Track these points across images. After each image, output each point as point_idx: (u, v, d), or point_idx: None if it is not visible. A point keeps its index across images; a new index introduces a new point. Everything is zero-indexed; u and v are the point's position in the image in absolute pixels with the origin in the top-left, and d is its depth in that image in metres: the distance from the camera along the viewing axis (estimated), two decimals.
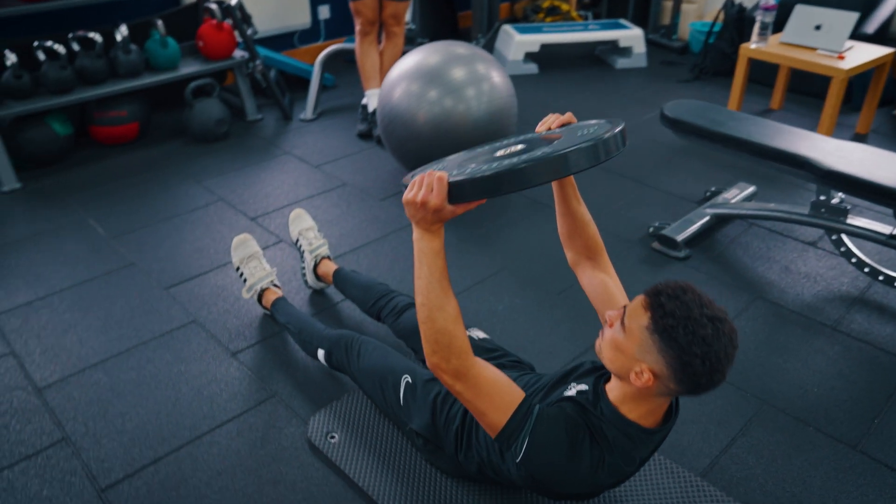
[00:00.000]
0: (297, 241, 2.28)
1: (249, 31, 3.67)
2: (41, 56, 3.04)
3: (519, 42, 4.44)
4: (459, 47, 2.91)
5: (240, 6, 3.65)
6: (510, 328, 2.15)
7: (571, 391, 1.33)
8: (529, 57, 4.51)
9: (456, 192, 1.17)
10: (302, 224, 2.29)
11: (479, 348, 1.70)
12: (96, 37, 3.15)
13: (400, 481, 1.60)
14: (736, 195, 2.80)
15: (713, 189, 2.89)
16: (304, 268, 2.28)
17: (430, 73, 2.80)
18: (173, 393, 1.89)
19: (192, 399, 1.87)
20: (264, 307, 2.13)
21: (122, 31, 3.20)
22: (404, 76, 2.85)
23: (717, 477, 1.64)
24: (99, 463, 1.68)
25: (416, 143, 2.82)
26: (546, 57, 4.60)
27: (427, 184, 1.17)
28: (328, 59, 3.89)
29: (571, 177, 1.45)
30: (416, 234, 1.22)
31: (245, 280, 2.12)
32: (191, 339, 2.10)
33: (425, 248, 1.21)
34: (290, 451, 1.71)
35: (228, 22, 3.53)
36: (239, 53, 3.63)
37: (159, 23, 3.31)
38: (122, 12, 3.55)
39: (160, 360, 2.02)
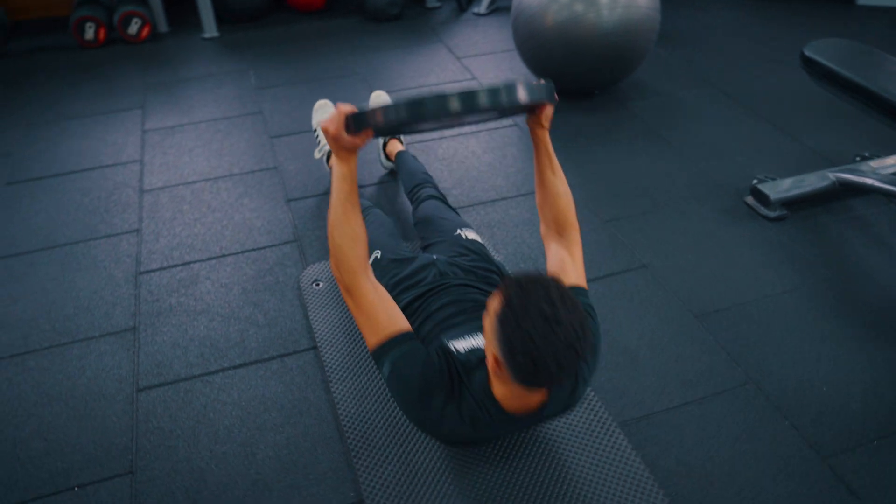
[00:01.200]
0: None
1: None
2: None
3: None
4: None
5: None
6: (515, 234, 2.13)
7: (468, 342, 1.35)
8: None
9: (355, 121, 1.26)
10: (380, 103, 2.42)
11: (462, 247, 1.75)
12: None
13: (346, 337, 1.76)
14: (889, 166, 2.32)
15: (866, 154, 2.43)
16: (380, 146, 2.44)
17: None
18: (227, 218, 2.23)
19: (238, 226, 2.19)
20: (329, 168, 2.35)
21: None
22: None
23: (638, 431, 1.54)
24: (148, 254, 2.09)
25: (537, 43, 2.75)
26: None
27: (333, 113, 1.28)
28: None
29: (546, 146, 1.46)
30: (333, 157, 1.33)
31: (319, 141, 2.34)
32: (264, 181, 2.41)
33: (336, 171, 1.31)
34: (281, 286, 1.96)
35: None
36: None
37: None
38: None
39: (234, 191, 2.36)
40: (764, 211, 2.21)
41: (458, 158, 2.53)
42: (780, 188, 2.22)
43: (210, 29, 3.56)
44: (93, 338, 1.80)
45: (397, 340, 1.30)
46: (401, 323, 1.33)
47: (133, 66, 3.25)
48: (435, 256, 1.67)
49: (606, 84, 2.90)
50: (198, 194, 2.35)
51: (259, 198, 2.33)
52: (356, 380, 1.65)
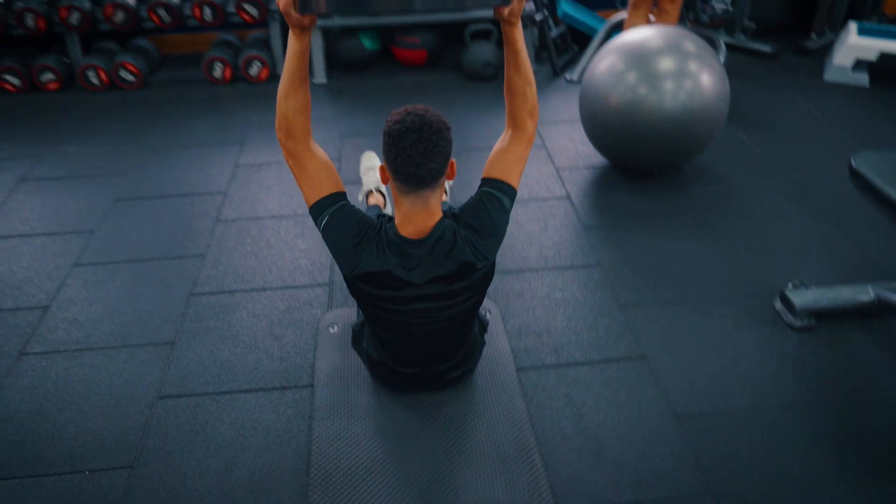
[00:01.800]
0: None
1: None
2: None
3: (851, 44, 3.76)
4: (689, 41, 2.75)
5: None
6: (529, 307, 2.21)
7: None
8: (862, 65, 3.78)
9: (302, 4, 1.43)
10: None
11: None
12: None
13: (340, 382, 1.95)
14: None
15: None
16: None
17: (639, 55, 2.73)
18: (278, 255, 2.50)
19: (285, 263, 2.46)
20: (368, 206, 2.55)
21: None
22: (619, 49, 2.82)
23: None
24: (205, 278, 2.39)
25: (599, 121, 2.83)
26: (890, 70, 3.80)
27: None
28: (617, 25, 3.92)
29: (512, 42, 1.57)
30: (290, 33, 1.52)
31: (362, 184, 2.60)
32: None
33: (289, 46, 1.53)
34: (303, 324, 2.18)
35: None
36: (529, 6, 3.92)
37: None
38: None
39: (292, 231, 2.64)
40: (789, 318, 2.16)
41: None
42: (810, 297, 2.16)
43: (320, 75, 3.95)
44: (139, 345, 2.11)
45: (335, 198, 1.58)
46: (339, 186, 1.60)
47: (247, 104, 3.68)
48: None
49: (667, 167, 2.92)
50: (262, 230, 2.65)
51: (311, 240, 2.59)
52: (337, 422, 1.82)
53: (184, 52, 4.28)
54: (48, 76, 3.80)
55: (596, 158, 3.11)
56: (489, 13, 1.60)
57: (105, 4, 3.67)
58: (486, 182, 1.65)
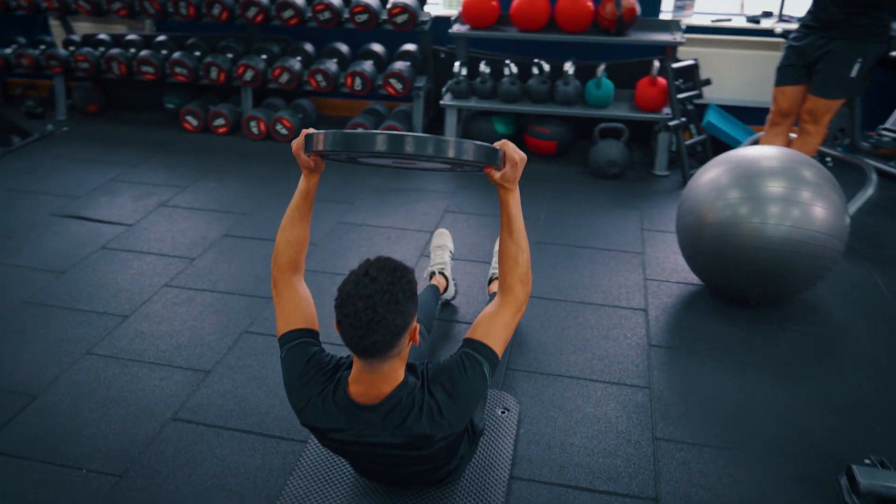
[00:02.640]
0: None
1: (689, 94, 3.80)
2: (505, 71, 3.95)
3: None
4: (809, 169, 2.50)
5: (692, 69, 3.82)
6: (550, 415, 2.05)
7: None
8: None
9: (306, 142, 1.53)
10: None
11: None
12: (546, 66, 3.88)
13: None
14: None
15: None
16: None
17: (748, 172, 2.54)
18: None
19: None
20: (431, 283, 2.57)
21: (568, 67, 3.83)
22: (727, 162, 2.64)
23: None
24: (262, 319, 2.54)
25: (692, 235, 2.63)
26: None
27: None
28: (758, 141, 3.67)
29: (505, 206, 1.57)
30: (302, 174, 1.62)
31: (430, 261, 2.65)
32: None
33: (299, 184, 1.63)
34: None
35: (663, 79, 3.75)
36: (667, 110, 3.81)
37: (601, 67, 3.80)
38: (593, 53, 4.13)
39: None
40: (851, 499, 1.81)
41: (563, 324, 2.54)
42: (883, 479, 1.79)
43: None
44: (180, 368, 2.28)
45: (298, 334, 1.56)
46: (308, 323, 1.59)
47: (374, 169, 3.91)
48: None
49: (763, 297, 2.62)
50: (332, 285, 2.66)
51: None
52: (311, 483, 1.82)
53: (339, 114, 4.70)
54: (220, 121, 4.36)
55: (692, 275, 2.88)
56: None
57: (275, 67, 4.16)
58: (468, 343, 1.53)
